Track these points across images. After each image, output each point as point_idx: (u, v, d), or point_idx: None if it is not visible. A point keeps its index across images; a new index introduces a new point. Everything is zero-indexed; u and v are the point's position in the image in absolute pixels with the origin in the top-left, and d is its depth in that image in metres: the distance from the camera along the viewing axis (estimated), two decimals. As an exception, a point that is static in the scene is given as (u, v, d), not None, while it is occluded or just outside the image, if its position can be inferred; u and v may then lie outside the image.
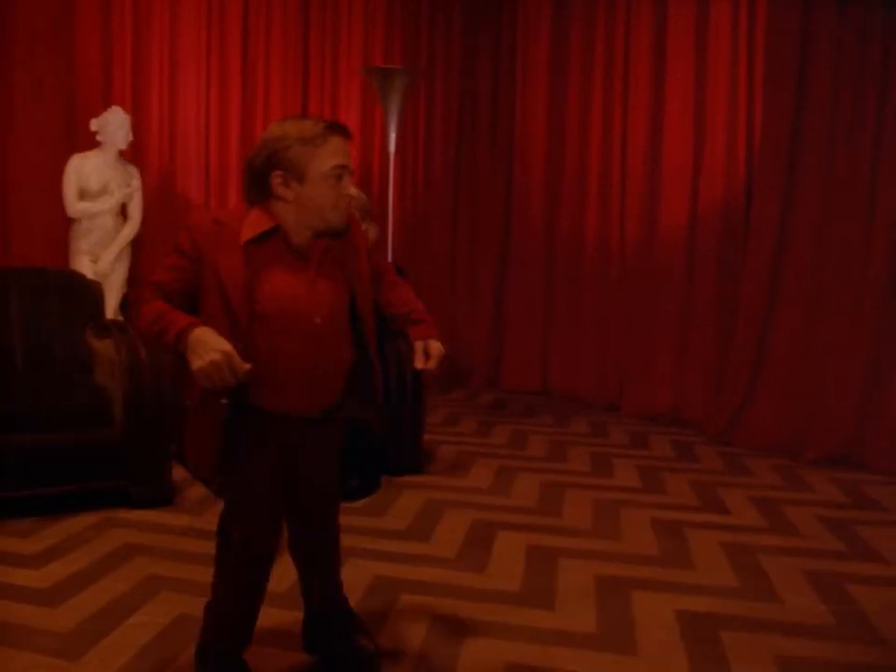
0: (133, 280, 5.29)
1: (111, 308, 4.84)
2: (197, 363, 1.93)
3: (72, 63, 5.21)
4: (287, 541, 2.53)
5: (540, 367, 6.48)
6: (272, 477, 2.24)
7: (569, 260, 6.30)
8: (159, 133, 5.62)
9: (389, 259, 4.99)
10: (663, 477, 4.50)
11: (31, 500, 3.56)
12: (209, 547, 3.28)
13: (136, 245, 5.30)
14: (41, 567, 3.08)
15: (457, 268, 6.63)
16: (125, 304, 5.27)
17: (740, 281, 5.31)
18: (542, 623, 2.80)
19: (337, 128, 2.11)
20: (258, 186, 2.12)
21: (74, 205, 4.93)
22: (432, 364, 2.25)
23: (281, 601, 2.84)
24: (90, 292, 4.19)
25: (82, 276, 4.35)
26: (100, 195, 4.98)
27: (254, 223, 2.11)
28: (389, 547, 3.42)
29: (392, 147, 5.21)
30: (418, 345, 2.28)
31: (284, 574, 3.09)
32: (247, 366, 1.97)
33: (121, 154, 5.08)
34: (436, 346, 2.28)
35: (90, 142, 5.02)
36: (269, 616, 2.74)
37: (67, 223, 5.01)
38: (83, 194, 4.97)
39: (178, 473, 3.99)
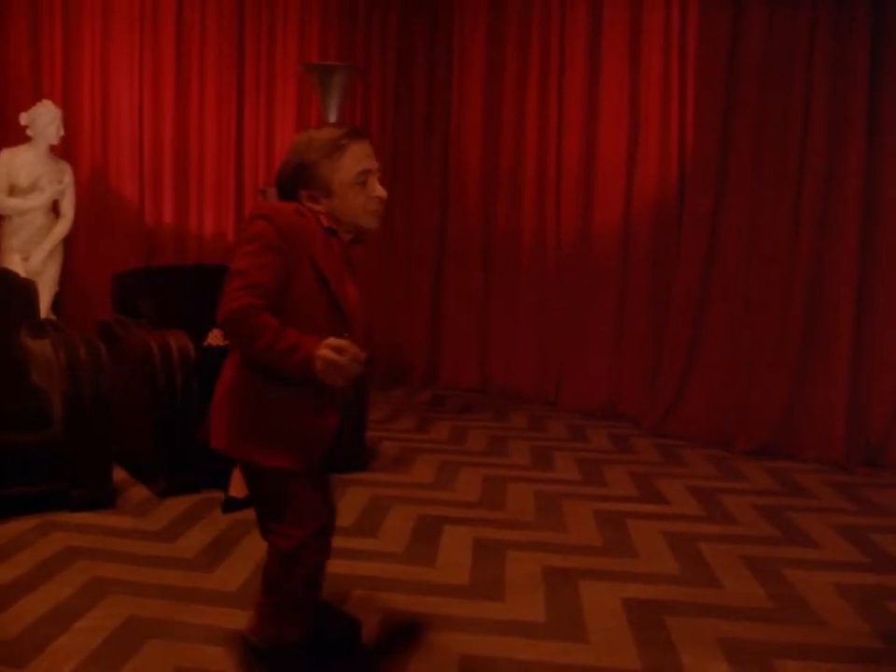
0: (65, 278, 5.18)
1: (44, 307, 4.73)
2: (340, 382, 1.94)
3: (0, 56, 5.07)
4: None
5: (479, 363, 6.53)
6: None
7: (506, 257, 6.37)
8: (90, 128, 5.52)
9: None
10: (602, 469, 4.60)
11: (-34, 505, 3.47)
12: (154, 548, 3.29)
13: (69, 242, 5.19)
14: (-19, 572, 3.01)
15: (394, 264, 6.64)
16: (57, 303, 5.17)
17: (674, 277, 5.45)
18: (493, 614, 2.84)
19: (353, 133, 2.15)
20: (290, 199, 2.15)
21: (3, 202, 4.80)
22: None
23: (233, 600, 2.83)
24: (24, 291, 4.08)
25: (15, 275, 4.24)
26: (30, 191, 4.86)
27: (323, 216, 2.13)
28: (337, 543, 3.35)
29: (332, 145, 5.19)
30: None
31: (234, 574, 3.09)
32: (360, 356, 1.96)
33: (52, 149, 4.97)
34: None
35: (20, 136, 4.89)
36: (224, 616, 2.74)
37: (-3, 220, 4.88)
38: (13, 190, 4.85)
39: (119, 475, 3.93)
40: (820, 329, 4.84)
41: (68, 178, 4.97)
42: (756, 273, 5.02)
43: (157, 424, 3.81)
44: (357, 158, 2.12)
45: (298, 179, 2.12)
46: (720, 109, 5.09)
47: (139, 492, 3.91)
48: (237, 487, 3.76)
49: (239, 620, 2.70)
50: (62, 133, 4.94)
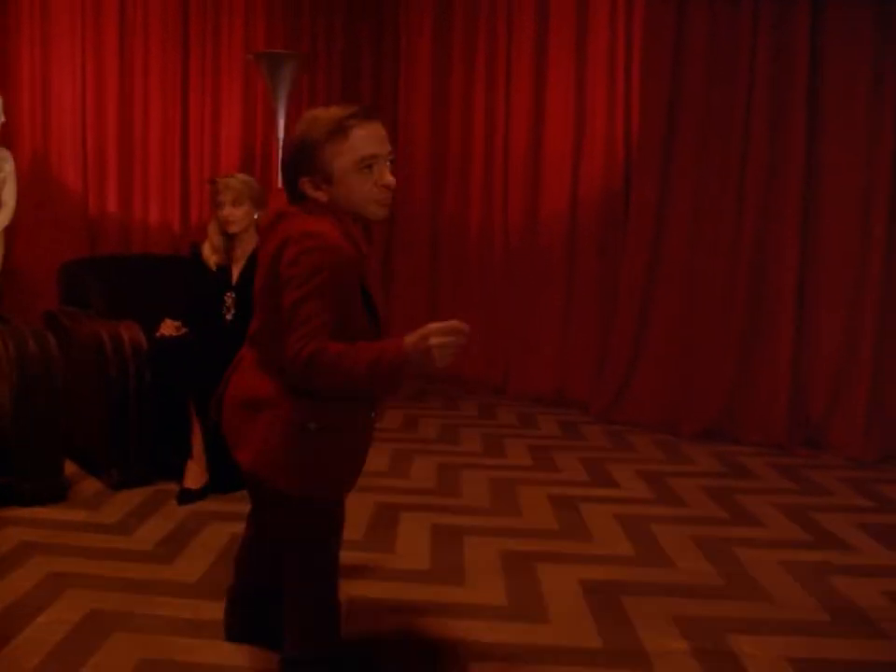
0: (7, 270, 5.07)
1: (-14, 299, 4.64)
2: (441, 361, 1.84)
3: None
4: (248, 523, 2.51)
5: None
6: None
7: (454, 246, 6.40)
8: (30, 115, 5.40)
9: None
10: (553, 455, 4.67)
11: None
12: (111, 541, 3.26)
13: (10, 232, 5.07)
14: (-68, 570, 2.96)
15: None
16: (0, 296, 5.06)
17: (620, 265, 5.54)
18: (455, 598, 2.89)
19: (357, 113, 1.98)
20: (293, 191, 2.04)
21: (-58, 191, 4.68)
22: None
23: (195, 591, 2.83)
24: (-33, 282, 4.00)
25: (-42, 266, 4.14)
26: (-31, 180, 4.74)
27: (356, 232, 2.02)
28: (296, 533, 3.43)
29: (281, 134, 5.16)
30: None
31: (194, 564, 3.08)
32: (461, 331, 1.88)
33: (-8, 137, 4.86)
34: None
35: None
36: (187, 606, 2.74)
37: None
38: (-49, 179, 4.72)
39: (69, 468, 3.87)
40: (764, 316, 4.98)
41: (9, 166, 4.85)
42: (701, 261, 5.14)
43: (109, 415, 3.77)
44: (363, 141, 1.97)
45: (299, 165, 2.00)
46: (664, 99, 5.18)
47: (91, 485, 3.86)
48: (193, 479, 3.74)
49: (202, 610, 2.71)
50: (2, 119, 4.82)
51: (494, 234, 6.22)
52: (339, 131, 1.96)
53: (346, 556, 3.16)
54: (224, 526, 3.43)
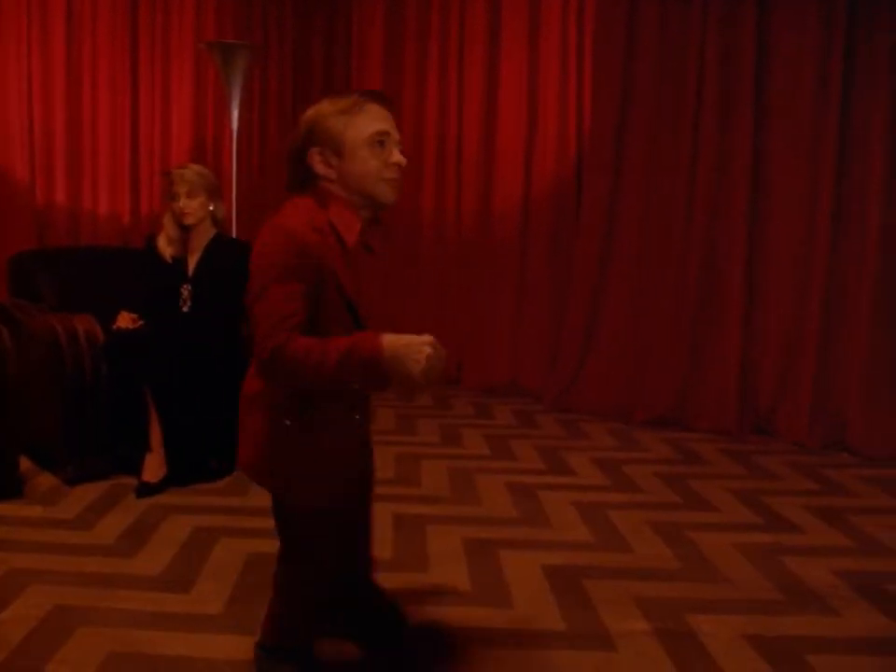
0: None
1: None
2: (417, 367, 1.76)
3: None
4: None
5: (381, 343, 6.55)
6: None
7: (407, 238, 6.40)
8: (-26, 104, 5.26)
9: (234, 236, 4.92)
10: (509, 444, 4.73)
11: None
12: (70, 537, 3.23)
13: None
14: None
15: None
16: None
17: (573, 257, 5.61)
18: (420, 585, 2.92)
19: (373, 95, 2.00)
20: (300, 169, 1.99)
21: None
22: None
23: (158, 584, 2.83)
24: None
25: None
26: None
27: (347, 223, 1.98)
28: (258, 524, 3.42)
29: (235, 125, 5.12)
30: None
31: (156, 558, 3.06)
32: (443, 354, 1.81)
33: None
34: None
35: None
36: (151, 600, 2.73)
37: None
38: None
39: (24, 464, 3.81)
40: (713, 309, 5.09)
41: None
42: (652, 252, 5.24)
43: (65, 410, 3.72)
44: (376, 117, 1.97)
45: (309, 139, 1.96)
46: (616, 95, 5.26)
47: (46, 480, 3.80)
48: (151, 472, 3.72)
49: (166, 602, 2.71)
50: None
51: (447, 227, 6.25)
52: (354, 104, 1.96)
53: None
54: (185, 519, 3.42)
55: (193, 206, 3.90)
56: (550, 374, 5.73)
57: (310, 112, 2.00)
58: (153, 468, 3.72)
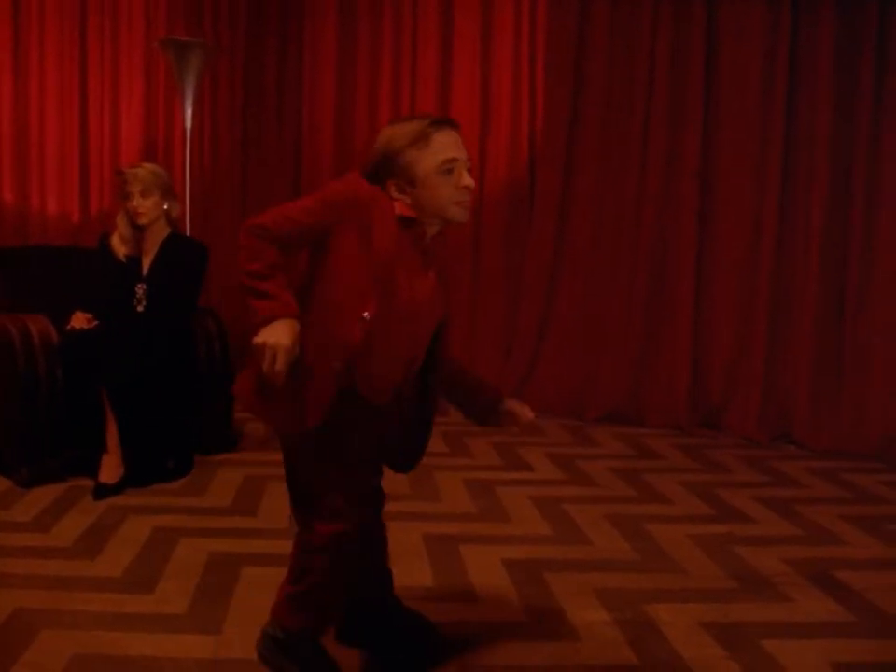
0: None
1: None
2: (259, 339, 1.87)
3: None
4: None
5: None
6: (370, 455, 2.22)
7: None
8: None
9: (188, 235, 4.88)
10: (465, 441, 4.77)
11: None
12: (28, 539, 3.19)
13: None
14: None
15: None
16: None
17: (526, 251, 5.66)
18: (384, 581, 2.94)
19: (441, 123, 2.10)
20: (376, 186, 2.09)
21: None
22: None
23: (120, 585, 2.81)
24: None
25: None
26: None
27: (401, 204, 2.07)
28: (218, 524, 3.42)
29: (188, 123, 5.08)
30: None
31: (116, 559, 3.04)
32: (283, 367, 1.87)
33: None
34: None
35: None
36: (113, 601, 2.71)
37: None
38: None
39: (-24, 466, 3.75)
40: (664, 306, 5.20)
41: None
42: (604, 248, 5.33)
43: (19, 412, 3.67)
44: (444, 146, 2.07)
45: (382, 170, 2.08)
46: (568, 93, 5.34)
47: (0, 483, 3.74)
48: (108, 473, 3.68)
49: (128, 604, 2.69)
50: None
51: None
52: (422, 137, 2.06)
53: (272, 545, 3.20)
54: (144, 520, 3.39)
55: (147, 206, 3.88)
56: (503, 371, 5.77)
57: (382, 140, 2.10)
58: (110, 469, 3.69)
